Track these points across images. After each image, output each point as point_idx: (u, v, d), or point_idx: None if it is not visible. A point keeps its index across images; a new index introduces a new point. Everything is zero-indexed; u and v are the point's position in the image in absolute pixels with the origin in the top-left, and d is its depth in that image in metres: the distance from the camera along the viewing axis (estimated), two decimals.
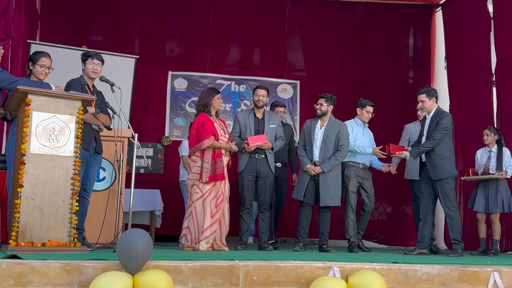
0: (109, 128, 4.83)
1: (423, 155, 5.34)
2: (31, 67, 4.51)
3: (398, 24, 8.90)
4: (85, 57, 4.75)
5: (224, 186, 5.11)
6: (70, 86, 4.54)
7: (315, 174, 5.47)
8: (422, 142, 5.34)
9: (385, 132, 7.34)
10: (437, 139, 5.18)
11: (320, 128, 5.62)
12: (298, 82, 8.80)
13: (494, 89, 6.92)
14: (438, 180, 5.19)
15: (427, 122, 5.39)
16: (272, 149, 5.58)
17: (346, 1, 8.75)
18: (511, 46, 6.61)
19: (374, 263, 3.58)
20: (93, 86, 4.82)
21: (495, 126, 6.68)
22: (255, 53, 8.94)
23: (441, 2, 8.46)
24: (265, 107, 5.80)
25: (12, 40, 6.32)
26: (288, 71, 8.84)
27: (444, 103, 7.59)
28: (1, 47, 4.23)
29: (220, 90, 8.34)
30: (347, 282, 3.37)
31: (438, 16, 8.56)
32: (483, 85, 7.01)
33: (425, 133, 5.37)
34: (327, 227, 5.59)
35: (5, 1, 5.88)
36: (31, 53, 6.52)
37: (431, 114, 5.38)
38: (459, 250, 5.09)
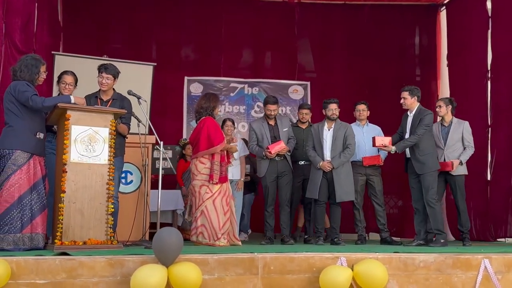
0: (125, 137, 5.13)
1: (407, 152, 5.73)
2: (58, 86, 5.08)
3: (404, 24, 9.13)
4: (98, 71, 5.08)
5: (229, 186, 5.50)
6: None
7: (329, 170, 5.81)
8: (406, 138, 5.71)
9: (394, 130, 7.69)
10: (420, 135, 5.57)
11: (329, 130, 6.01)
12: (308, 83, 9.15)
13: (489, 85, 7.20)
14: (422, 174, 5.58)
15: (409, 119, 5.76)
16: (289, 151, 6.08)
17: (353, 3, 9.01)
18: (506, 43, 6.88)
19: (377, 253, 4.01)
20: (116, 95, 5.08)
21: (489, 122, 6.99)
22: (266, 56, 9.31)
23: (445, 2, 8.68)
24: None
25: (35, 53, 6.67)
26: (299, 72, 9.19)
27: None
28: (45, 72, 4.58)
29: (234, 93, 8.98)
30: (353, 270, 3.80)
31: (443, 16, 8.79)
32: (480, 81, 7.31)
33: (408, 130, 5.73)
34: (338, 221, 5.96)
35: (25, 16, 6.18)
36: (55, 64, 7.04)
37: (413, 112, 5.75)
38: (442, 240, 5.40)
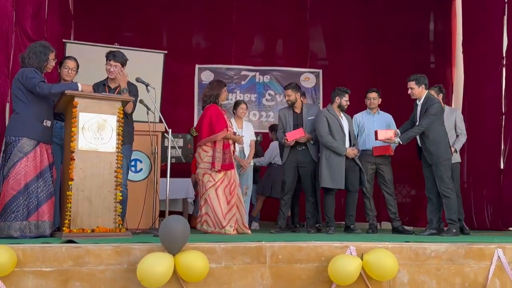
0: (127, 117, 4.93)
1: (418, 141, 5.61)
2: (59, 71, 5.03)
3: (418, 10, 9.00)
4: (106, 59, 5.04)
5: (234, 174, 5.43)
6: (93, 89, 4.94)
7: (354, 156, 5.80)
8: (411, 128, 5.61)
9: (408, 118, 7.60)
10: (425, 126, 5.42)
11: (342, 119, 5.95)
12: (320, 71, 9.07)
13: (504, 72, 7.03)
14: (434, 164, 5.48)
15: (418, 108, 5.63)
16: (312, 139, 5.97)
17: None
18: None
19: (387, 242, 3.94)
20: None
21: (503, 109, 6.87)
22: (278, 43, 9.26)
23: None
24: (303, 100, 6.22)
25: (45, 40, 6.67)
26: (311, 60, 9.12)
27: (461, 86, 7.84)
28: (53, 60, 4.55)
29: (245, 81, 8.92)
30: (362, 260, 3.74)
31: (458, 1, 8.63)
32: (495, 68, 7.16)
33: (418, 119, 5.61)
34: (355, 209, 5.93)
35: (36, 4, 6.16)
36: (66, 52, 7.04)
37: (421, 101, 5.60)
38: (454, 230, 5.30)
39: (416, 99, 5.67)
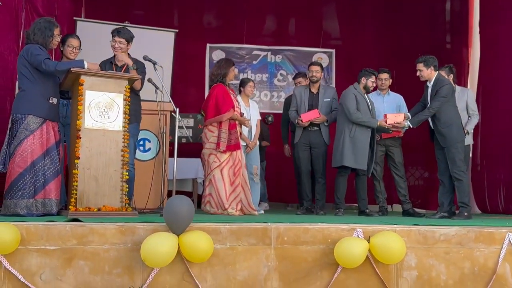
0: (137, 93, 4.96)
1: (430, 123, 5.49)
2: (61, 49, 4.97)
3: None
4: (111, 35, 4.97)
5: (240, 155, 5.38)
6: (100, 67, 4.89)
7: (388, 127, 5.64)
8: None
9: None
10: (435, 108, 5.29)
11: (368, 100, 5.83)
12: (333, 50, 8.93)
13: None
14: (446, 147, 5.36)
15: (429, 90, 5.48)
16: (326, 121, 5.95)
17: None
18: None
19: (395, 225, 3.87)
20: (132, 59, 4.96)
21: None
22: (290, 23, 9.10)
23: None
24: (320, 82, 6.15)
25: (56, 18, 6.63)
26: (324, 40, 8.98)
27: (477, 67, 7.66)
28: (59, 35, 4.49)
29: (257, 61, 8.81)
30: (369, 242, 3.68)
31: None
32: (511, 50, 7.01)
33: (428, 101, 5.49)
34: (366, 192, 5.85)
35: None
36: (77, 30, 6.99)
37: (431, 83, 5.46)
38: (465, 213, 5.19)
39: (426, 81, 5.54)
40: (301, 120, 5.89)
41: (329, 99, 6.02)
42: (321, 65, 6.15)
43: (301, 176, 6.06)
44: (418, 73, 5.51)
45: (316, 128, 5.97)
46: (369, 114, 5.71)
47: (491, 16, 7.60)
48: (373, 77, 5.85)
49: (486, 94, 7.29)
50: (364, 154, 5.62)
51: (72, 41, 4.93)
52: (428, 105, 5.42)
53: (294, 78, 6.83)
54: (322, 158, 5.97)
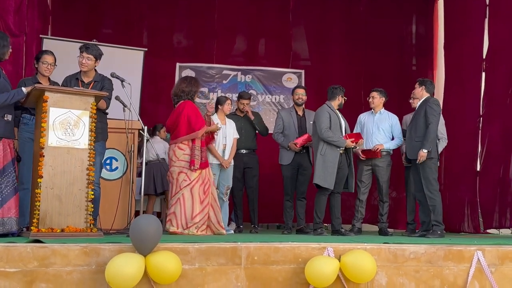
0: (104, 112, 4.88)
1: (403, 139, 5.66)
2: (36, 66, 4.88)
3: (401, 13, 8.98)
4: (79, 51, 4.86)
5: (209, 173, 5.33)
6: (62, 84, 4.82)
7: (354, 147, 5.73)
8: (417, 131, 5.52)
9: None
10: (435, 123, 5.43)
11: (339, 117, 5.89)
12: (302, 71, 8.96)
13: (483, 75, 7.06)
14: (420, 164, 5.40)
15: (416, 108, 5.68)
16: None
17: None
18: (503, 32, 6.73)
19: (365, 244, 3.85)
20: (98, 76, 4.88)
21: (480, 112, 6.89)
22: (260, 43, 9.14)
23: None
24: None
25: (26, 36, 6.54)
26: (293, 60, 9.02)
27: (442, 89, 7.82)
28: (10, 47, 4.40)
29: (227, 81, 8.79)
30: (340, 261, 3.65)
31: (440, 4, 8.66)
32: (475, 71, 7.17)
33: (411, 118, 5.66)
34: (339, 211, 5.83)
35: None
36: (43, 48, 6.87)
37: (420, 102, 5.65)
38: (439, 232, 5.26)
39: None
40: (296, 145, 6.14)
41: (312, 122, 6.15)
42: (305, 89, 6.49)
43: (286, 197, 6.32)
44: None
45: (303, 151, 6.24)
46: (339, 133, 5.71)
47: (455, 39, 7.82)
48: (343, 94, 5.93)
49: (450, 114, 7.43)
50: (332, 173, 5.56)
51: (47, 58, 4.84)
52: (411, 123, 5.61)
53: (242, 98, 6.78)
54: (307, 180, 6.19)
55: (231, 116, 6.51)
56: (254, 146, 6.61)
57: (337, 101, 5.84)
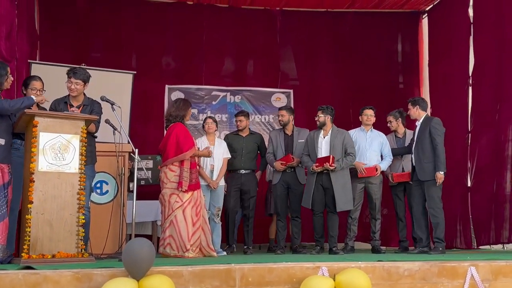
0: (93, 135, 4.89)
1: (413, 160, 5.67)
2: (24, 92, 4.88)
3: (387, 31, 9.08)
4: (67, 76, 4.89)
5: (200, 194, 5.32)
6: (51, 107, 4.82)
7: (317, 170, 5.74)
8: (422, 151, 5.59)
9: None
10: (440, 142, 5.50)
11: (324, 137, 5.93)
12: (291, 91, 9.02)
13: (470, 91, 7.16)
14: (425, 181, 5.46)
15: (417, 128, 5.70)
16: (301, 163, 6.14)
17: (336, 11, 8.95)
18: (487, 49, 6.86)
19: (360, 262, 3.85)
20: (87, 100, 4.91)
21: (469, 128, 6.98)
22: (248, 64, 9.18)
23: (427, 9, 8.70)
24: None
25: (17, 61, 6.54)
26: (282, 80, 9.08)
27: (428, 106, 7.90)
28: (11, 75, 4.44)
29: (216, 102, 8.83)
30: (334, 280, 3.64)
31: (425, 22, 8.80)
32: (461, 87, 7.27)
33: (415, 139, 5.66)
34: (336, 230, 5.92)
35: (9, 24, 6.05)
36: (31, 73, 6.86)
37: (420, 121, 5.70)
38: (440, 249, 5.33)
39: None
40: (281, 164, 6.14)
41: (303, 140, 6.19)
42: (288, 109, 6.49)
43: (278, 217, 6.28)
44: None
45: (292, 169, 6.21)
46: (314, 154, 5.87)
47: (440, 56, 7.93)
48: (317, 112, 6.01)
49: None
50: (308, 193, 5.83)
51: (35, 84, 4.85)
52: (415, 142, 5.67)
53: (235, 116, 6.92)
54: (299, 198, 6.13)
55: (233, 135, 6.56)
56: (253, 167, 6.63)
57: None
